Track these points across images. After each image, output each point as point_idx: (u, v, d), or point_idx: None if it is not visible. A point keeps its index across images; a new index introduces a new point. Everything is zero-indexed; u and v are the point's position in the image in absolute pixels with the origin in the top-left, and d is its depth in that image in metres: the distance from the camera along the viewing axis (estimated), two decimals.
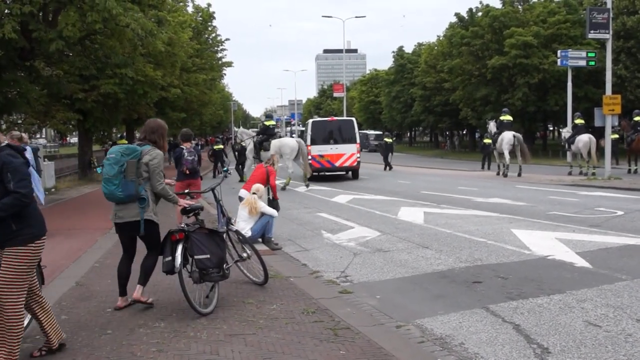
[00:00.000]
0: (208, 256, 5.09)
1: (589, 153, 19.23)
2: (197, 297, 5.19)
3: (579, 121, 20.71)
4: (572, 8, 35.68)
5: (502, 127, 20.99)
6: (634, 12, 30.19)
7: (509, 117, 21.28)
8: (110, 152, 5.12)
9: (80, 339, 4.51)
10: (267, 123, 20.41)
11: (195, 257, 5.04)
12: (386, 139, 27.99)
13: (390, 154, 27.16)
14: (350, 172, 21.85)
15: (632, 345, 4.17)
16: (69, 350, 4.27)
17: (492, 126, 22.85)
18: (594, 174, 18.86)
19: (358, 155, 20.93)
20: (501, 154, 20.94)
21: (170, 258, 4.99)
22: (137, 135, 43.91)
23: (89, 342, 4.43)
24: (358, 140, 21.30)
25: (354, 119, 22.39)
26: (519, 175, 19.62)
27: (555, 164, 27.44)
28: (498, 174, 21.24)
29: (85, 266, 7.24)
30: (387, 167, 26.59)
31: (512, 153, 20.19)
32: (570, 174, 20.35)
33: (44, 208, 13.81)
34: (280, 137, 21.98)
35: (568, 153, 20.96)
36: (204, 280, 5.16)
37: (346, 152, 20.72)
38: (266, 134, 19.76)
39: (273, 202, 9.67)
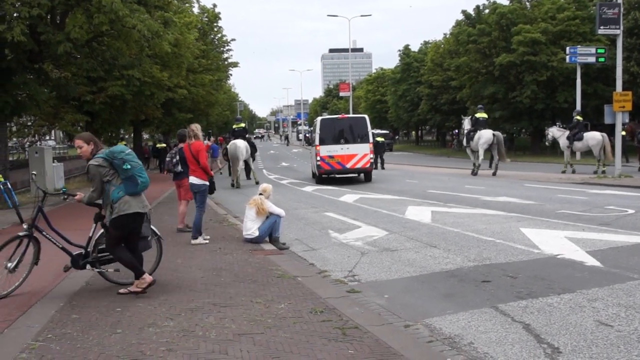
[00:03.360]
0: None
1: (600, 152, 19.10)
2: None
3: (579, 118, 20.55)
4: (581, 4, 35.33)
5: (477, 124, 20.80)
6: None
7: (484, 115, 21.26)
8: (124, 149, 5.82)
9: (91, 338, 4.54)
10: (234, 126, 21.80)
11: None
12: (377, 139, 27.90)
13: (382, 153, 27.95)
14: (362, 174, 20.27)
15: None
16: (80, 349, 4.30)
17: (466, 123, 22.00)
18: (604, 172, 18.72)
19: (371, 155, 19.29)
20: (475, 152, 20.81)
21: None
22: (145, 136, 44.01)
23: (99, 341, 4.46)
24: (371, 140, 19.59)
25: (366, 116, 20.66)
26: (494, 174, 19.61)
27: (563, 162, 27.22)
28: (473, 173, 20.98)
29: None
30: (379, 166, 26.84)
31: (487, 152, 20.15)
32: (564, 172, 20.25)
33: (53, 209, 13.95)
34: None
35: (566, 151, 20.69)
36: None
37: (358, 153, 18.97)
38: (233, 136, 21.23)
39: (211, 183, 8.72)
